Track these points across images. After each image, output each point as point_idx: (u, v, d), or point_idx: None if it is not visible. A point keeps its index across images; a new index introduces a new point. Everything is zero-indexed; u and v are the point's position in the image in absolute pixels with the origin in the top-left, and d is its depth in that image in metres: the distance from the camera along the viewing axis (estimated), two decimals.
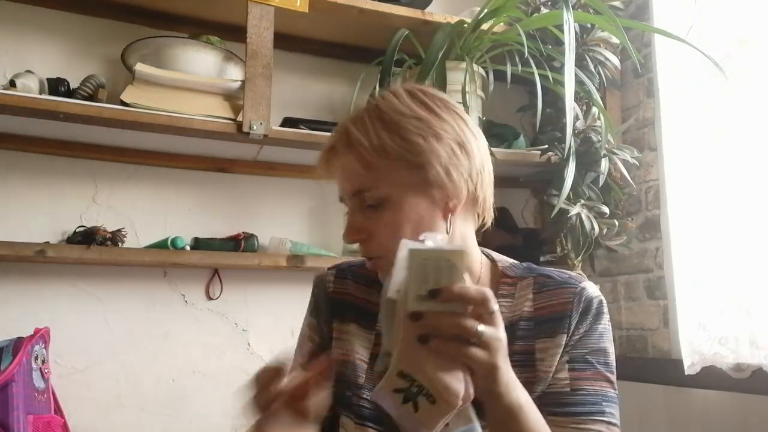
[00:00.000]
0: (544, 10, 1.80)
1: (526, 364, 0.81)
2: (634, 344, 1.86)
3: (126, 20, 1.71)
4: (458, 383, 0.62)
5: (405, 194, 0.79)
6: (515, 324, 0.83)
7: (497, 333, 0.64)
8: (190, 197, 1.75)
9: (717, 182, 1.57)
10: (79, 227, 1.55)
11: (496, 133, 1.88)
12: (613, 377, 0.81)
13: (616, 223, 1.75)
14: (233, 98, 1.58)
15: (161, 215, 1.71)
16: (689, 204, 1.63)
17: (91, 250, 1.48)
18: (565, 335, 0.81)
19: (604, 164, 1.72)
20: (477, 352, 0.62)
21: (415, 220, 0.79)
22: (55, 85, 1.50)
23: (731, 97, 1.56)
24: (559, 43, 1.64)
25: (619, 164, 1.76)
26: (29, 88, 1.44)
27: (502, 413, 0.67)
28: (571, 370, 0.80)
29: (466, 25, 1.68)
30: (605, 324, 0.83)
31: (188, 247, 1.62)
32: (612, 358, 0.82)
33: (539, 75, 1.61)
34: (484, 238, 0.90)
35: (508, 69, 1.63)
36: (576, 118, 1.75)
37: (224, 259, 1.61)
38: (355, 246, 0.84)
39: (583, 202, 1.72)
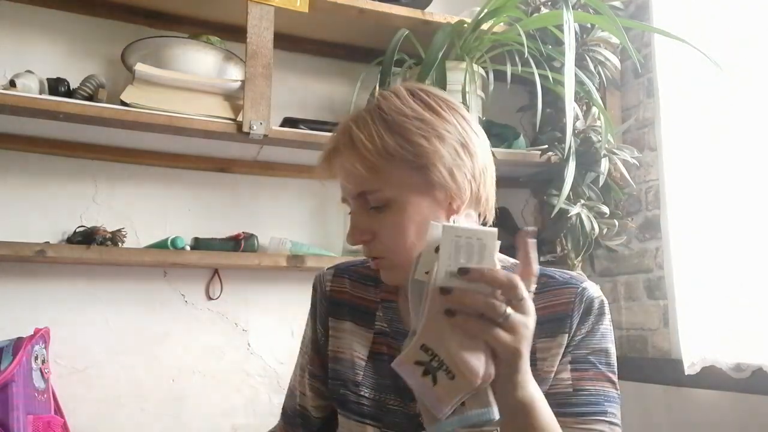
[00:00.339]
0: (544, 10, 1.80)
1: None
2: (634, 344, 1.86)
3: (126, 20, 1.71)
4: (479, 362, 0.63)
5: (409, 195, 0.79)
6: None
7: (525, 320, 0.64)
8: (190, 197, 1.75)
9: (717, 182, 1.58)
10: (79, 227, 1.55)
11: (496, 133, 1.88)
12: (615, 377, 0.82)
13: (616, 223, 1.75)
14: (233, 98, 1.58)
15: (161, 215, 1.71)
16: (689, 204, 1.63)
17: (91, 250, 1.48)
18: (567, 335, 0.81)
19: (604, 164, 1.73)
20: (502, 334, 0.62)
21: (419, 221, 0.79)
22: (55, 85, 1.50)
23: (731, 97, 1.56)
24: (559, 43, 1.64)
25: (619, 164, 1.76)
26: (29, 88, 1.44)
27: (515, 404, 0.67)
28: (574, 371, 0.80)
29: (466, 25, 1.68)
30: (607, 324, 0.83)
31: (188, 247, 1.62)
32: (614, 358, 0.83)
33: (539, 75, 1.61)
34: None
35: (508, 69, 1.63)
36: (576, 118, 1.75)
37: (224, 259, 1.61)
38: (356, 246, 0.84)
39: (583, 202, 1.72)
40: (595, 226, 1.70)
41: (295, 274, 1.77)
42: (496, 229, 0.64)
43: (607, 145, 1.72)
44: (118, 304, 1.65)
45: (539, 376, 0.80)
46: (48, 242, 1.50)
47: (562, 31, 1.56)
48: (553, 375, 0.80)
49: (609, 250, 1.81)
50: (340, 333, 0.93)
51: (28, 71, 1.48)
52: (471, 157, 0.81)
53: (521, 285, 0.63)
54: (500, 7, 1.63)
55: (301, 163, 1.79)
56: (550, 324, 0.81)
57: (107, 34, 1.70)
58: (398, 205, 0.79)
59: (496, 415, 0.64)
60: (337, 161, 0.83)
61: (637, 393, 1.73)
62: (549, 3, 1.83)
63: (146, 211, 1.70)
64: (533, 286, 0.66)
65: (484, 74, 1.72)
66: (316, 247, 1.77)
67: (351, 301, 0.94)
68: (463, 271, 0.63)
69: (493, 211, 0.87)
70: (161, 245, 1.60)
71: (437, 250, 0.64)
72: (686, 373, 1.54)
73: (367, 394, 0.88)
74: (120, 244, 1.55)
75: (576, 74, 1.61)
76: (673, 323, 1.66)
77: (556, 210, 1.63)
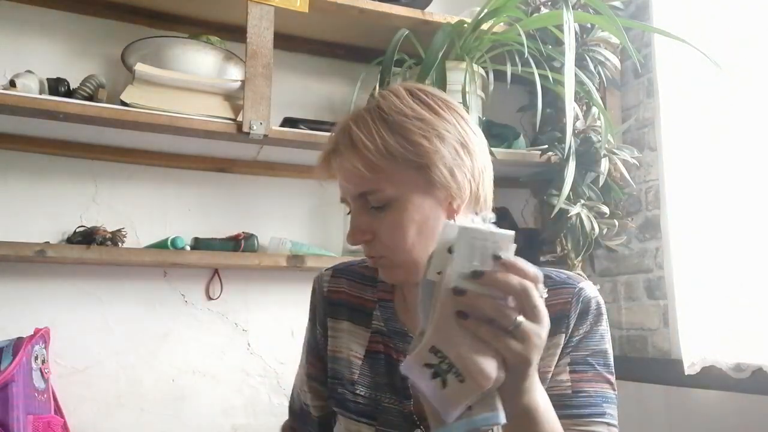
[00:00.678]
0: (544, 10, 1.80)
1: None
2: (634, 344, 1.86)
3: (126, 20, 1.71)
4: (489, 365, 0.62)
5: (410, 195, 0.79)
6: None
7: (537, 329, 0.62)
8: (190, 197, 1.75)
9: (717, 182, 1.57)
10: (79, 227, 1.55)
11: (496, 133, 1.88)
12: (613, 378, 0.82)
13: (616, 223, 1.75)
14: (233, 98, 1.58)
15: (161, 215, 1.71)
16: (689, 204, 1.63)
17: (91, 250, 1.48)
18: (564, 335, 0.81)
19: (604, 164, 1.73)
20: (512, 342, 0.61)
21: (420, 221, 0.79)
22: (55, 85, 1.50)
23: (731, 97, 1.56)
24: (559, 43, 1.64)
25: (619, 164, 1.76)
26: (29, 88, 1.44)
27: (520, 410, 0.67)
28: (573, 372, 0.80)
29: (466, 25, 1.68)
30: (605, 325, 0.83)
31: (188, 247, 1.62)
32: (611, 358, 0.83)
33: (539, 75, 1.61)
34: None
35: (508, 69, 1.63)
36: (576, 118, 1.75)
37: (224, 259, 1.61)
38: (356, 246, 0.84)
39: (583, 202, 1.72)
40: (595, 226, 1.70)
41: (295, 274, 1.77)
42: (512, 232, 0.63)
43: (607, 145, 1.72)
44: (118, 304, 1.65)
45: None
46: (48, 242, 1.50)
47: (562, 31, 1.56)
48: (550, 375, 0.80)
49: (609, 250, 1.81)
50: (338, 333, 0.94)
51: (28, 71, 1.48)
52: (470, 156, 0.81)
53: (534, 293, 0.62)
54: (500, 7, 1.63)
55: (301, 163, 1.79)
56: None
57: (107, 34, 1.70)
58: (399, 205, 0.79)
59: (503, 420, 0.64)
60: (336, 162, 0.83)
61: (637, 393, 1.73)
62: (549, 3, 1.83)
63: (146, 211, 1.70)
64: (545, 292, 0.64)
65: (484, 74, 1.72)
66: (316, 247, 1.77)
67: (348, 301, 0.95)
68: (476, 275, 0.62)
69: (491, 210, 0.87)
70: (161, 245, 1.60)
71: (450, 250, 0.63)
72: (686, 373, 1.54)
73: (362, 393, 0.89)
74: (120, 244, 1.55)
75: (576, 74, 1.61)
76: (673, 323, 1.66)
77: (556, 210, 1.63)
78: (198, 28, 1.73)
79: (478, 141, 0.83)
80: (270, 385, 1.76)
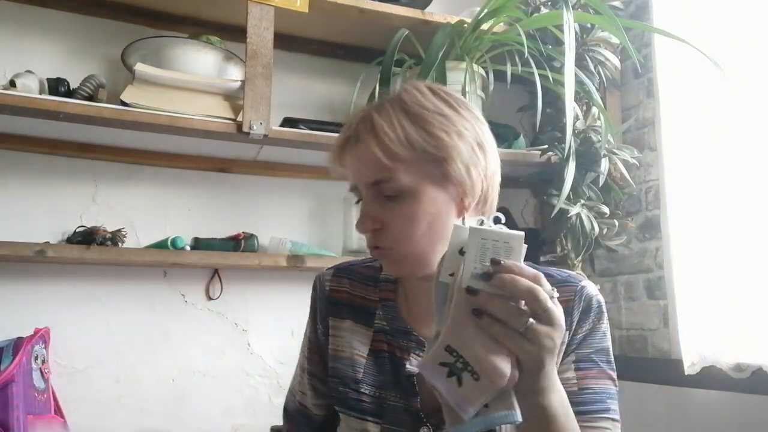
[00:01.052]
0: (544, 10, 1.80)
1: None
2: (634, 344, 1.86)
3: (126, 20, 1.71)
4: (504, 364, 0.62)
5: (425, 187, 0.80)
6: None
7: (548, 331, 0.62)
8: (190, 197, 1.75)
9: (717, 182, 1.58)
10: (79, 227, 1.55)
11: (496, 133, 1.85)
12: (614, 374, 0.84)
13: (616, 223, 1.75)
14: (233, 98, 1.58)
15: (161, 215, 1.71)
16: (689, 204, 1.63)
17: (91, 250, 1.48)
18: (567, 332, 0.82)
19: (604, 164, 1.73)
20: (525, 343, 0.62)
21: (432, 214, 0.80)
22: (55, 85, 1.50)
23: (731, 97, 1.56)
24: (559, 43, 1.64)
25: (619, 164, 1.76)
26: (29, 88, 1.44)
27: (535, 411, 0.67)
28: (578, 370, 0.82)
29: (466, 25, 1.68)
30: (606, 323, 0.85)
31: (188, 247, 1.62)
32: (612, 355, 0.85)
33: (539, 75, 1.61)
34: None
35: (508, 69, 1.63)
36: (576, 118, 1.75)
37: (224, 259, 1.61)
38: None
39: (583, 202, 1.72)
40: (595, 226, 1.70)
41: (295, 274, 1.77)
42: (522, 233, 0.64)
43: (607, 145, 1.72)
44: (118, 304, 1.65)
45: None
46: (48, 242, 1.50)
47: (562, 31, 1.56)
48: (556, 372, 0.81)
49: (609, 250, 1.81)
50: (340, 332, 0.94)
51: (28, 71, 1.48)
52: (485, 157, 0.83)
53: (544, 296, 0.62)
54: (500, 7, 1.63)
55: (301, 163, 1.79)
56: None
57: (107, 34, 1.70)
58: (413, 196, 0.80)
59: (519, 418, 0.64)
60: (353, 148, 0.83)
61: (637, 393, 1.73)
62: (549, 3, 1.83)
63: (146, 211, 1.70)
64: (555, 291, 0.64)
65: (484, 74, 1.72)
66: (316, 247, 1.77)
67: (350, 300, 0.95)
68: (486, 276, 0.62)
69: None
70: (161, 245, 1.60)
71: (462, 252, 0.64)
72: (686, 373, 1.54)
73: (367, 391, 0.89)
74: (120, 244, 1.55)
75: (576, 74, 1.61)
76: (673, 323, 1.66)
77: (556, 210, 1.63)
78: (198, 28, 1.73)
79: (492, 145, 0.85)
80: (270, 385, 1.76)
